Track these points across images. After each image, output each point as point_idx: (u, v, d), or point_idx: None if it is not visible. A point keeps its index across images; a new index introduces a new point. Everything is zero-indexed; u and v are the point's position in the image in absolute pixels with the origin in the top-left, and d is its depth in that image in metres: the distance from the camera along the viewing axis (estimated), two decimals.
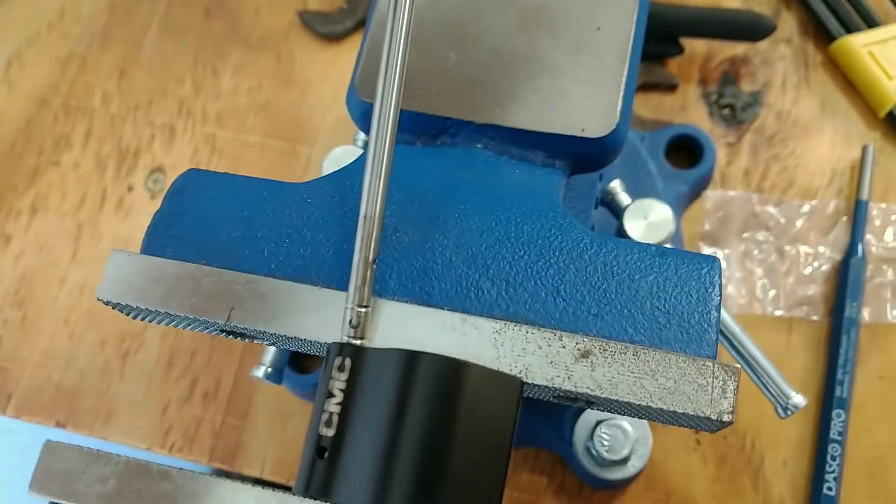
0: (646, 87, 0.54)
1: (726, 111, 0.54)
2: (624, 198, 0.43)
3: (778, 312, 0.49)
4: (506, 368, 0.27)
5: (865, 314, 0.48)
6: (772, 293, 0.49)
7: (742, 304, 0.49)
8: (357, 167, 0.32)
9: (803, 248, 0.50)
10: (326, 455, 0.26)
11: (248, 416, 0.49)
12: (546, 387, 0.27)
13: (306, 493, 0.26)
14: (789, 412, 0.39)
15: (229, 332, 0.30)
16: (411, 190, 0.31)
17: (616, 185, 0.43)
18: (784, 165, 0.52)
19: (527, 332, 0.27)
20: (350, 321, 0.27)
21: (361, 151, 0.41)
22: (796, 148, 0.53)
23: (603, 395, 0.26)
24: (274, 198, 0.31)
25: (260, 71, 0.58)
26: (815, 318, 0.48)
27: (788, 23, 0.56)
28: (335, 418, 0.26)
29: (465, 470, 0.25)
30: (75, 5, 0.61)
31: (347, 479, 0.25)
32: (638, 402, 0.26)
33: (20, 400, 0.50)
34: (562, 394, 0.27)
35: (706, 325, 0.28)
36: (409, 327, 0.27)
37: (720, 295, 0.28)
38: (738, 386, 0.26)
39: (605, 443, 0.42)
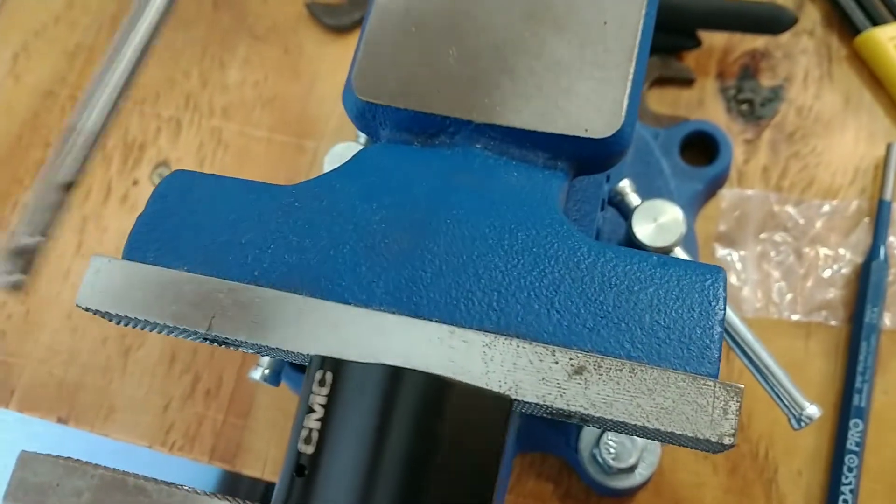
0: (661, 82, 0.53)
1: (745, 107, 0.52)
2: (633, 198, 0.42)
3: (795, 317, 0.47)
4: (495, 384, 0.25)
5: (886, 320, 0.46)
6: (789, 297, 0.47)
7: (758, 307, 0.47)
8: (348, 169, 0.31)
9: (823, 250, 0.48)
10: (306, 473, 0.25)
11: (250, 415, 0.48)
12: (537, 404, 0.25)
13: None
14: (803, 423, 0.37)
15: (212, 341, 0.29)
16: (403, 194, 0.29)
17: (625, 185, 0.42)
18: (804, 163, 0.50)
19: (518, 347, 0.26)
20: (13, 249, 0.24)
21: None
22: (818, 145, 0.51)
23: (597, 414, 0.25)
24: (261, 201, 0.29)
25: (267, 63, 0.57)
26: (833, 323, 0.46)
27: (811, 15, 0.54)
28: (314, 435, 0.25)
29: (448, 494, 0.24)
30: None
31: (326, 501, 0.24)
32: (633, 422, 0.25)
33: (22, 395, 0.50)
34: (554, 411, 0.26)
35: (708, 341, 0.26)
36: (394, 339, 0.26)
37: (724, 309, 0.27)
38: (740, 406, 0.25)
39: (612, 450, 0.41)
